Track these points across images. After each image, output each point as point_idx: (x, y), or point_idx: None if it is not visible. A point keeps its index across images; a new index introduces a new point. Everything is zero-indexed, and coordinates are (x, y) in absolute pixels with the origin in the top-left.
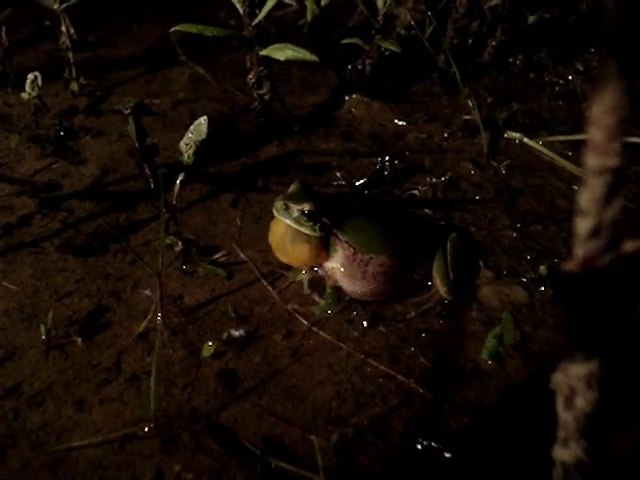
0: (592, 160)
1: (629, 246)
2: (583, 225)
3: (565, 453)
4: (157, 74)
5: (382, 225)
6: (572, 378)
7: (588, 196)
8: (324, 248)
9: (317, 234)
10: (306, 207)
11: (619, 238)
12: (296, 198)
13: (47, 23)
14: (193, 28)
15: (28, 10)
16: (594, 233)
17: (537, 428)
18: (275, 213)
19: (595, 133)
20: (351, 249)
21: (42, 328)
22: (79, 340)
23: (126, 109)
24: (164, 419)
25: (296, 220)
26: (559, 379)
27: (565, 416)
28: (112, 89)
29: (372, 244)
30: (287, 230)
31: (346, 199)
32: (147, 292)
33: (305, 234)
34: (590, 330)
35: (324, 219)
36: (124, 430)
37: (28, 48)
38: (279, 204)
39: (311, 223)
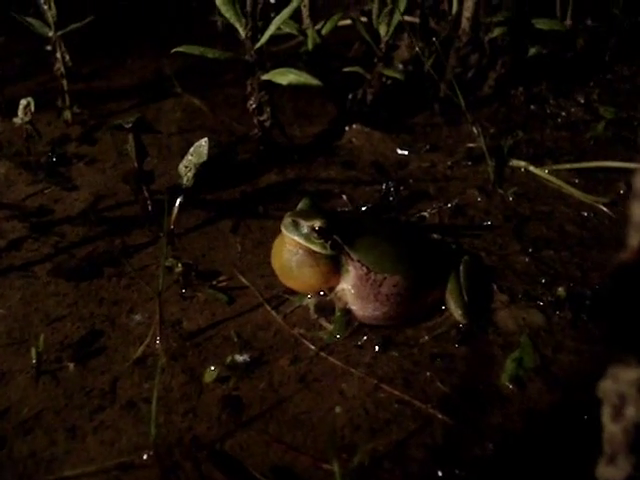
0: None
1: None
2: (639, 211)
3: (612, 471)
4: (151, 105)
5: (395, 245)
6: (622, 384)
7: None
8: (333, 271)
9: (328, 252)
10: (317, 223)
11: None
12: (306, 214)
13: (48, 48)
14: (195, 50)
15: (21, 41)
16: None
17: (567, 452)
18: (283, 230)
19: None
20: (364, 268)
21: (33, 352)
22: (71, 365)
23: (127, 124)
24: (164, 447)
25: (306, 237)
26: (607, 387)
27: (612, 429)
28: (106, 118)
29: (386, 263)
30: (293, 253)
31: (356, 218)
32: (144, 317)
33: (312, 257)
34: None
35: (335, 237)
36: (120, 459)
37: (20, 79)
38: (288, 220)
39: (322, 240)
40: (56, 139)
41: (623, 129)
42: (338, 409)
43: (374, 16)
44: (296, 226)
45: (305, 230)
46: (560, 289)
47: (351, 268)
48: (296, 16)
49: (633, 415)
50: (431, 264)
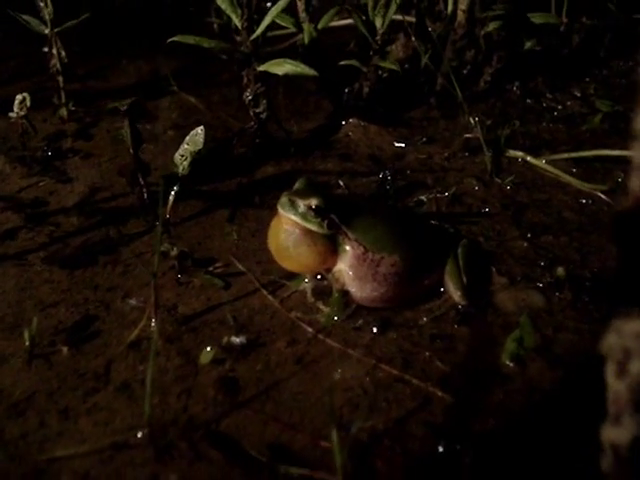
0: None
1: None
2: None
3: (617, 432)
4: (148, 103)
5: (392, 225)
6: (627, 337)
7: None
8: (330, 250)
9: (325, 231)
10: (313, 202)
11: None
12: (303, 193)
13: (45, 50)
14: (190, 39)
15: (18, 42)
16: None
17: (570, 428)
18: (280, 209)
19: None
20: (361, 248)
21: (26, 335)
22: (65, 349)
23: (122, 106)
24: (158, 427)
25: (302, 216)
26: (611, 341)
27: (617, 386)
28: (101, 115)
29: (383, 243)
30: (289, 232)
31: (354, 199)
32: (139, 301)
33: (309, 236)
34: None
35: (332, 216)
36: (114, 439)
37: (16, 78)
38: (284, 199)
39: (319, 219)
40: (51, 135)
41: (619, 122)
42: (337, 374)
43: (369, 9)
44: (293, 205)
45: (302, 209)
46: (560, 269)
47: (348, 248)
48: (293, 14)
49: (638, 370)
50: (429, 246)
